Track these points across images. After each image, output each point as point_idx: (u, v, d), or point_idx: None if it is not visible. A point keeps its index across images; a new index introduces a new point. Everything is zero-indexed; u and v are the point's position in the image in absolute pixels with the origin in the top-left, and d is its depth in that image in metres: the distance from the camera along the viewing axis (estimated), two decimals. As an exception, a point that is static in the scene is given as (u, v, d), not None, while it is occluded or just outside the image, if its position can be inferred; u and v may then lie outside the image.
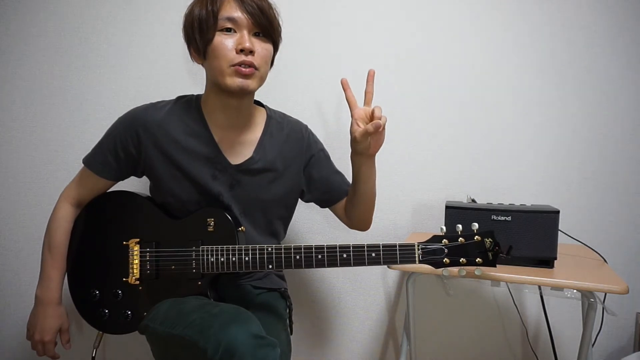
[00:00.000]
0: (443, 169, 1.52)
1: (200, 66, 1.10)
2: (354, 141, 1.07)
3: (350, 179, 1.20)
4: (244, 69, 1.01)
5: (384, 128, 1.03)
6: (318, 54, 1.56)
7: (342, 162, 1.54)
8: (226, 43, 1.01)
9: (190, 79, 1.60)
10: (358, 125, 1.05)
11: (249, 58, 1.01)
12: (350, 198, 1.22)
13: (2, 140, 1.67)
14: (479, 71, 1.48)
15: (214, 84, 1.06)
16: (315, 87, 1.57)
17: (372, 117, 1.05)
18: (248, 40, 1.01)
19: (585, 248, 1.31)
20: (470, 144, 1.50)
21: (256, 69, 1.03)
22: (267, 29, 1.04)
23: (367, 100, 1.08)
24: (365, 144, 1.06)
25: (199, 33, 1.02)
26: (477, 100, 1.49)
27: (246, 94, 1.07)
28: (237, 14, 1.01)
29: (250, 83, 1.03)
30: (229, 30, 1.01)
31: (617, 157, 1.41)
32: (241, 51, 1.00)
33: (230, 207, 1.12)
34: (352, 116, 1.07)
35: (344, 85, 1.10)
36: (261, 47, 1.04)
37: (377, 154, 1.09)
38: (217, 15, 1.00)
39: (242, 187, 1.13)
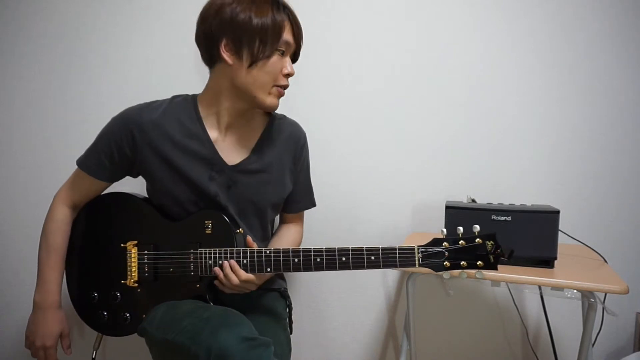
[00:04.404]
0: (443, 169, 1.52)
1: (201, 65, 1.09)
2: None
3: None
4: (283, 92, 1.10)
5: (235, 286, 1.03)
6: (316, 53, 1.55)
7: (342, 161, 1.55)
8: (279, 65, 1.06)
9: (191, 79, 1.59)
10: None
11: (288, 82, 1.10)
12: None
13: (2, 140, 1.67)
14: (479, 71, 1.47)
15: (242, 91, 1.07)
16: (314, 86, 1.56)
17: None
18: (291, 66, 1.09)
19: (585, 248, 1.31)
20: (470, 144, 1.50)
21: None
22: (298, 56, 1.14)
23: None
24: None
25: (259, 43, 1.02)
26: (478, 100, 1.48)
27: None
28: (291, 39, 1.07)
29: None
30: (280, 51, 1.06)
31: (617, 157, 1.40)
32: (286, 75, 1.07)
33: (227, 208, 1.12)
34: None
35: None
36: None
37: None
38: (281, 34, 1.04)
39: (239, 188, 1.13)
